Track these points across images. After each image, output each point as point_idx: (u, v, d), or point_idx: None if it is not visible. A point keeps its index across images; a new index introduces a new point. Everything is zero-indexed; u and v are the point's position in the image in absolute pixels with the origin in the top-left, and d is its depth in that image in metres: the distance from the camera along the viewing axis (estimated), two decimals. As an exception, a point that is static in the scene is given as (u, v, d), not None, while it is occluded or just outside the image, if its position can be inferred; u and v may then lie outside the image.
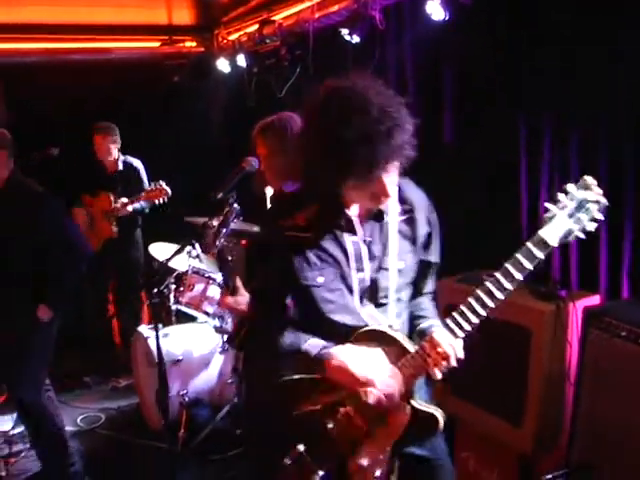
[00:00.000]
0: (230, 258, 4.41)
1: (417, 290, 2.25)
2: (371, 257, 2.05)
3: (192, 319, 4.71)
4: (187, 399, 4.31)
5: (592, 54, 3.16)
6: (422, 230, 2.16)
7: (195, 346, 4.47)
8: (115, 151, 5.50)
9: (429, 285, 2.29)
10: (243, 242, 4.62)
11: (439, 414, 2.03)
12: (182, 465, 3.98)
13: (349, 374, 1.95)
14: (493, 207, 3.87)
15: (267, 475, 2.33)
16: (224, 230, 2.74)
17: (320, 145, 1.87)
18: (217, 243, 2.72)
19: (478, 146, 3.83)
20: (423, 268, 2.21)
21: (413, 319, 2.20)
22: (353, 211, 2.07)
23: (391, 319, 2.08)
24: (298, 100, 5.16)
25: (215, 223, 2.85)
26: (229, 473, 3.95)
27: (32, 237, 3.61)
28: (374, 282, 2.06)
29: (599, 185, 1.82)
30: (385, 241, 2.07)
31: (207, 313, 4.22)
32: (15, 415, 4.53)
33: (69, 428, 4.27)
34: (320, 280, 2.03)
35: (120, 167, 5.51)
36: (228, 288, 2.72)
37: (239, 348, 2.84)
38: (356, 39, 4.44)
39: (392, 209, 2.09)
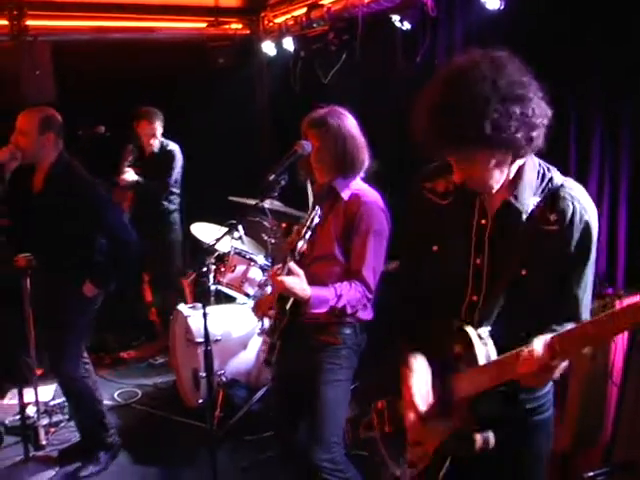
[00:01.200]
0: (269, 239, 4.44)
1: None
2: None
3: (230, 300, 4.75)
4: (224, 379, 4.35)
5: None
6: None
7: (234, 327, 4.50)
8: (156, 136, 5.58)
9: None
10: (283, 225, 4.64)
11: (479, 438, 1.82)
12: (217, 444, 4.02)
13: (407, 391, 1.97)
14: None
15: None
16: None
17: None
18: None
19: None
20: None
21: None
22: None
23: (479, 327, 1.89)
24: (343, 85, 5.16)
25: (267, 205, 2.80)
26: (264, 454, 3.99)
27: (75, 222, 3.63)
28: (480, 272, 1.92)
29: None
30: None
31: (248, 294, 4.24)
32: (55, 386, 4.64)
33: (106, 402, 4.33)
34: (434, 249, 2.00)
35: (155, 150, 5.59)
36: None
37: (279, 339, 2.83)
38: (407, 26, 4.41)
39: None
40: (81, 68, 5.48)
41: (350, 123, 2.89)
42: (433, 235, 2.00)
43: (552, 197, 1.81)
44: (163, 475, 3.94)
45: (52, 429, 4.33)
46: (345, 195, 2.86)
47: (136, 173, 5.54)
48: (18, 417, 4.19)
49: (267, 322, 2.96)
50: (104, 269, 3.77)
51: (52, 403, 4.57)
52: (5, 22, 5.10)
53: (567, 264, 1.81)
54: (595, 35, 3.42)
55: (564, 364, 1.67)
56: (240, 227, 4.34)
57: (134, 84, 5.76)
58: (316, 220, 2.72)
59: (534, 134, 1.70)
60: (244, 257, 4.34)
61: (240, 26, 6.44)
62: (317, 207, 2.77)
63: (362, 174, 2.93)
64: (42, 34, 5.32)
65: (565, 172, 1.91)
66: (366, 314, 2.90)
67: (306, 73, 5.60)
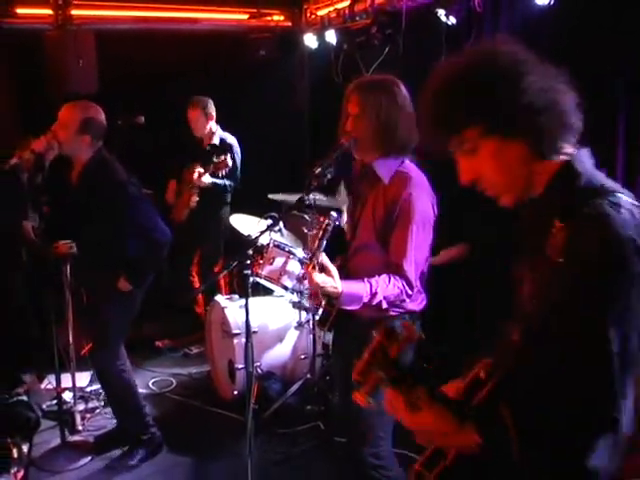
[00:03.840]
0: (309, 232, 4.40)
1: None
2: None
3: (268, 292, 4.74)
4: (260, 371, 4.36)
5: None
6: None
7: (271, 319, 4.50)
8: (209, 125, 5.49)
9: None
10: (322, 218, 4.60)
11: None
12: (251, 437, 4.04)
13: None
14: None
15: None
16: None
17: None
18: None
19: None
20: None
21: None
22: None
23: None
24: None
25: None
26: (297, 448, 3.98)
27: (105, 221, 3.64)
28: None
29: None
30: None
31: (286, 287, 4.21)
32: (92, 372, 4.68)
33: (141, 390, 4.35)
34: None
35: (215, 141, 5.51)
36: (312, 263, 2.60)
37: (329, 329, 2.77)
38: (452, 20, 4.34)
39: None
40: (123, 58, 5.50)
41: (401, 95, 2.63)
42: None
43: None
44: (195, 465, 3.95)
45: (88, 415, 4.39)
46: (385, 178, 2.64)
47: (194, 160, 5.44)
48: (55, 402, 4.25)
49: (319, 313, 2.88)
50: (137, 266, 3.76)
51: (88, 389, 4.64)
52: (50, 12, 5.14)
53: None
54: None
55: None
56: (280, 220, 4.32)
57: (175, 75, 5.79)
58: (330, 229, 2.66)
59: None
60: (283, 250, 4.31)
61: (282, 18, 6.42)
62: (333, 213, 2.67)
63: (408, 156, 2.68)
64: (86, 23, 5.36)
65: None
66: (415, 304, 2.72)
67: (348, 66, 5.55)
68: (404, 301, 2.64)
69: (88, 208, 3.69)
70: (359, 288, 2.51)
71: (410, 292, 2.60)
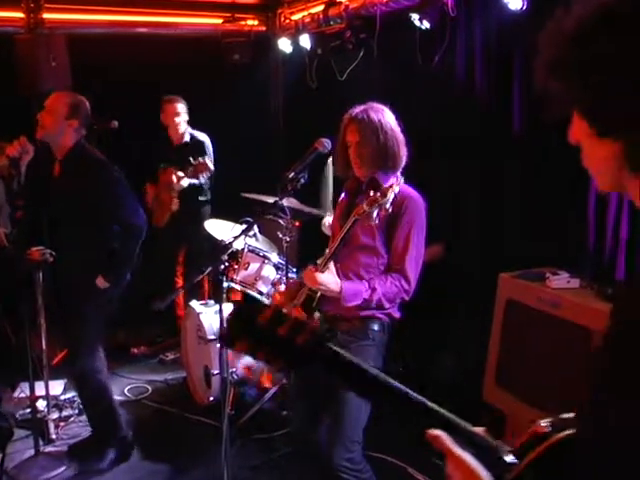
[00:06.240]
0: (283, 237, 4.40)
1: None
2: None
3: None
4: (235, 377, 4.33)
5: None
6: None
7: (246, 325, 4.47)
8: (182, 123, 5.48)
9: None
10: (297, 223, 4.60)
11: None
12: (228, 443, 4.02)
13: None
14: (560, 203, 3.79)
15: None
16: None
17: None
18: None
19: (549, 139, 3.73)
20: None
21: None
22: None
23: None
24: (360, 83, 5.13)
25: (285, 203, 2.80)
26: (274, 453, 3.97)
27: (91, 209, 3.64)
28: None
29: None
30: None
31: (261, 292, 4.22)
32: (65, 381, 4.64)
33: (116, 397, 4.31)
34: None
35: (187, 139, 5.50)
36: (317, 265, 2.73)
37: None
38: (426, 25, 4.36)
39: None
40: (96, 62, 5.45)
41: (390, 118, 2.89)
42: None
43: None
44: (171, 472, 3.92)
45: (62, 423, 4.33)
46: (385, 183, 2.82)
47: (166, 161, 5.41)
48: (28, 411, 4.20)
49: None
50: (115, 261, 3.77)
51: (62, 397, 4.57)
52: (22, 15, 5.09)
53: None
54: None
55: None
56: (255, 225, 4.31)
57: (149, 79, 5.74)
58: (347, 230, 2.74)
59: None
60: (258, 255, 4.32)
61: (256, 22, 6.41)
62: (352, 218, 2.77)
63: (400, 170, 2.91)
64: (58, 27, 5.31)
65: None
66: (396, 311, 2.91)
67: (322, 70, 5.57)
68: (403, 298, 2.82)
69: (71, 194, 3.68)
70: (357, 284, 2.74)
71: (408, 288, 2.79)
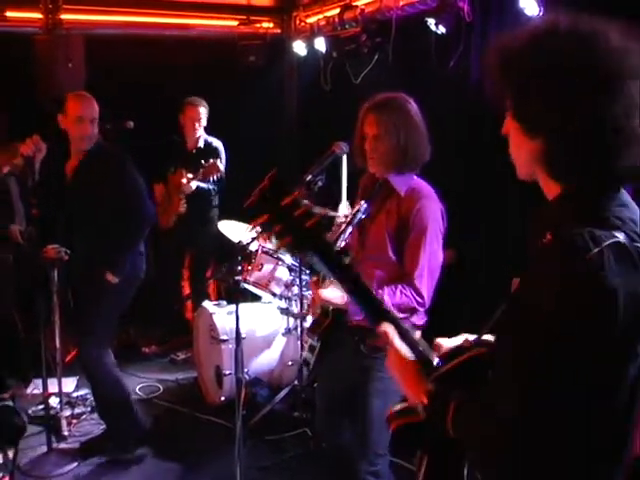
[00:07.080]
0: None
1: None
2: None
3: (256, 298, 4.74)
4: (247, 377, 4.35)
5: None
6: None
7: (259, 326, 4.50)
8: (200, 128, 5.47)
9: None
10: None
11: None
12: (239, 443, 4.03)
13: None
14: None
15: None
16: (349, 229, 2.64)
17: None
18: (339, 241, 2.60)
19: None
20: None
21: None
22: None
23: None
24: (374, 87, 5.13)
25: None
26: (285, 455, 3.98)
27: (105, 197, 3.73)
28: None
29: None
30: None
31: (274, 294, 4.24)
32: (78, 378, 4.67)
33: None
34: None
35: (200, 145, 5.50)
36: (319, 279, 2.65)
37: (319, 339, 2.75)
38: (442, 30, 4.37)
39: None
40: (112, 63, 5.49)
41: (415, 112, 2.65)
42: None
43: None
44: (182, 471, 3.93)
45: (74, 421, 4.35)
46: (401, 191, 2.64)
47: (180, 164, 5.41)
48: (41, 407, 4.23)
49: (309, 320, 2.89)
50: (117, 251, 3.83)
51: (75, 395, 4.61)
52: (40, 15, 5.13)
53: None
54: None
55: None
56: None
57: (165, 80, 5.78)
58: (360, 216, 2.57)
59: None
60: (271, 256, 4.33)
61: (271, 25, 6.43)
62: (363, 202, 2.61)
63: (418, 170, 2.72)
64: (76, 28, 5.35)
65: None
66: (418, 318, 2.71)
67: (337, 73, 5.58)
68: (416, 309, 2.63)
69: (88, 194, 3.78)
70: None
71: (420, 300, 2.60)
